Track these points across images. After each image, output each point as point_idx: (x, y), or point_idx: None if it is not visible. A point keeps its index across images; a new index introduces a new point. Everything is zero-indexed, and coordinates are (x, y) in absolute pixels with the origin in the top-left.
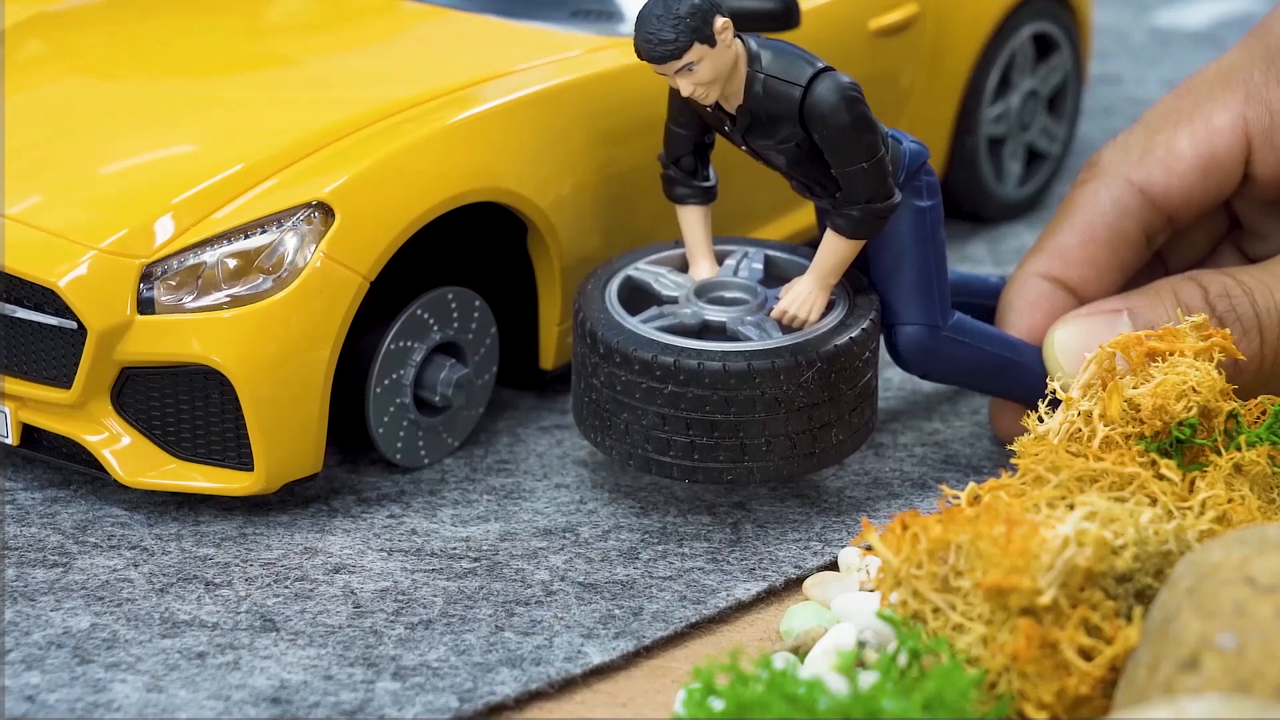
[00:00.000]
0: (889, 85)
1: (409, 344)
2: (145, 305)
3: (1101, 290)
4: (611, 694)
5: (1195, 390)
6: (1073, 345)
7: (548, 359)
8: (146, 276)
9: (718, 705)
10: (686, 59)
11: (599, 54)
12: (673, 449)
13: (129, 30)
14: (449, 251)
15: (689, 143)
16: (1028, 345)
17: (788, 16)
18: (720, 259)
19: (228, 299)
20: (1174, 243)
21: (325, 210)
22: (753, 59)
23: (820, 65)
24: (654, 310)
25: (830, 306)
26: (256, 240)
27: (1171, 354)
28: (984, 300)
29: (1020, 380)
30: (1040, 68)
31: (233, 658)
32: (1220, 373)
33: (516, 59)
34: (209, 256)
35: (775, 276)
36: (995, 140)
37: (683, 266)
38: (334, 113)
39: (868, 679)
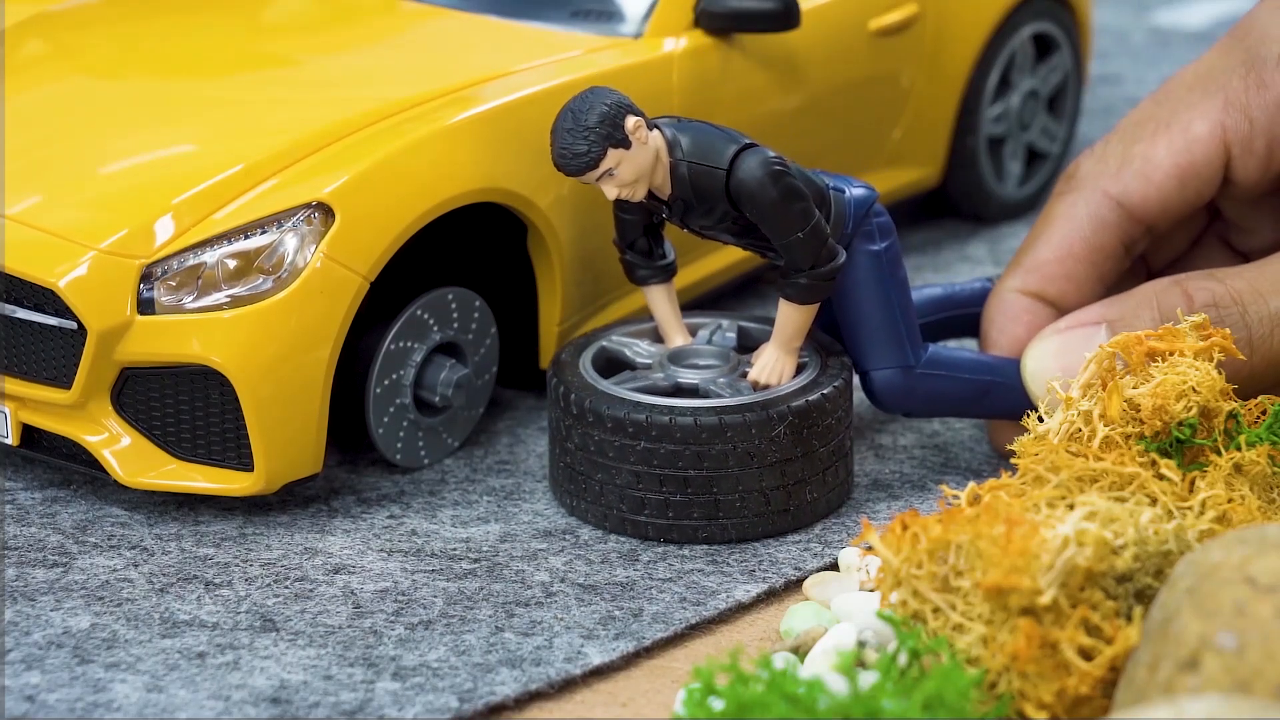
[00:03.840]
0: (889, 85)
1: (409, 344)
2: (145, 305)
3: (1082, 302)
4: (611, 694)
5: (1195, 390)
6: (1049, 360)
7: (548, 359)
8: (146, 277)
9: (718, 705)
10: (604, 166)
11: (599, 54)
12: (647, 508)
13: (129, 30)
14: (449, 252)
15: (638, 227)
16: (1007, 362)
17: (788, 17)
18: (694, 330)
19: (228, 299)
20: (1156, 242)
21: (325, 210)
22: (673, 147)
23: (743, 142)
24: (627, 374)
25: (801, 369)
26: (256, 240)
27: (1171, 354)
28: (973, 309)
29: (1005, 400)
30: (1040, 68)
31: (233, 658)
32: (1220, 373)
33: (516, 59)
34: (209, 257)
35: (748, 347)
36: (995, 140)
37: (658, 338)
38: (334, 113)
39: (868, 679)
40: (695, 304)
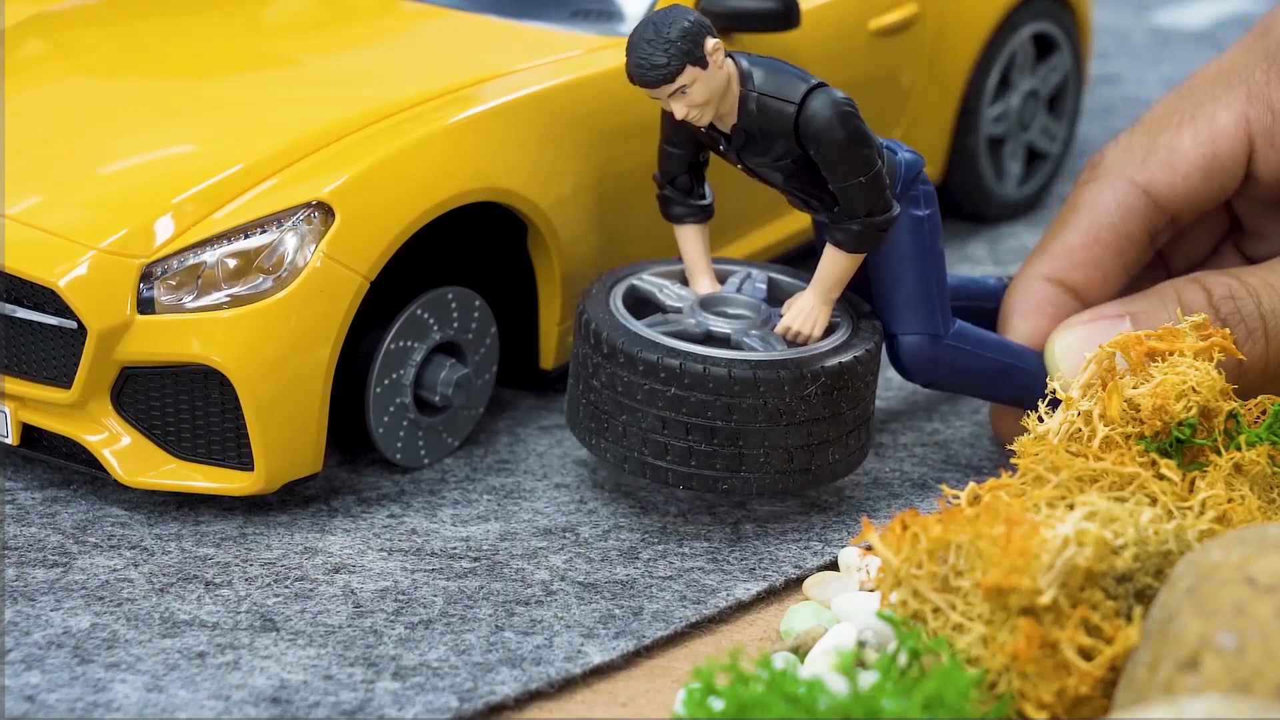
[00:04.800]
0: (889, 85)
1: (409, 344)
2: (145, 305)
3: (1106, 292)
4: (611, 694)
5: (1195, 390)
6: (1073, 351)
7: (548, 359)
8: (146, 276)
9: (718, 705)
10: (679, 82)
11: (599, 54)
12: (670, 454)
13: (129, 30)
14: (449, 251)
15: (684, 162)
16: (1029, 350)
17: (788, 16)
18: (722, 278)
19: (228, 299)
20: (1176, 244)
21: (325, 210)
22: (745, 78)
23: (813, 82)
24: (658, 316)
25: (833, 328)
26: (256, 240)
27: (1171, 354)
28: (984, 303)
29: (1022, 386)
30: (1040, 68)
31: (233, 658)
32: (1220, 373)
33: (516, 59)
34: (209, 256)
35: (777, 299)
36: (995, 140)
37: (686, 282)
38: (334, 113)
39: (868, 679)
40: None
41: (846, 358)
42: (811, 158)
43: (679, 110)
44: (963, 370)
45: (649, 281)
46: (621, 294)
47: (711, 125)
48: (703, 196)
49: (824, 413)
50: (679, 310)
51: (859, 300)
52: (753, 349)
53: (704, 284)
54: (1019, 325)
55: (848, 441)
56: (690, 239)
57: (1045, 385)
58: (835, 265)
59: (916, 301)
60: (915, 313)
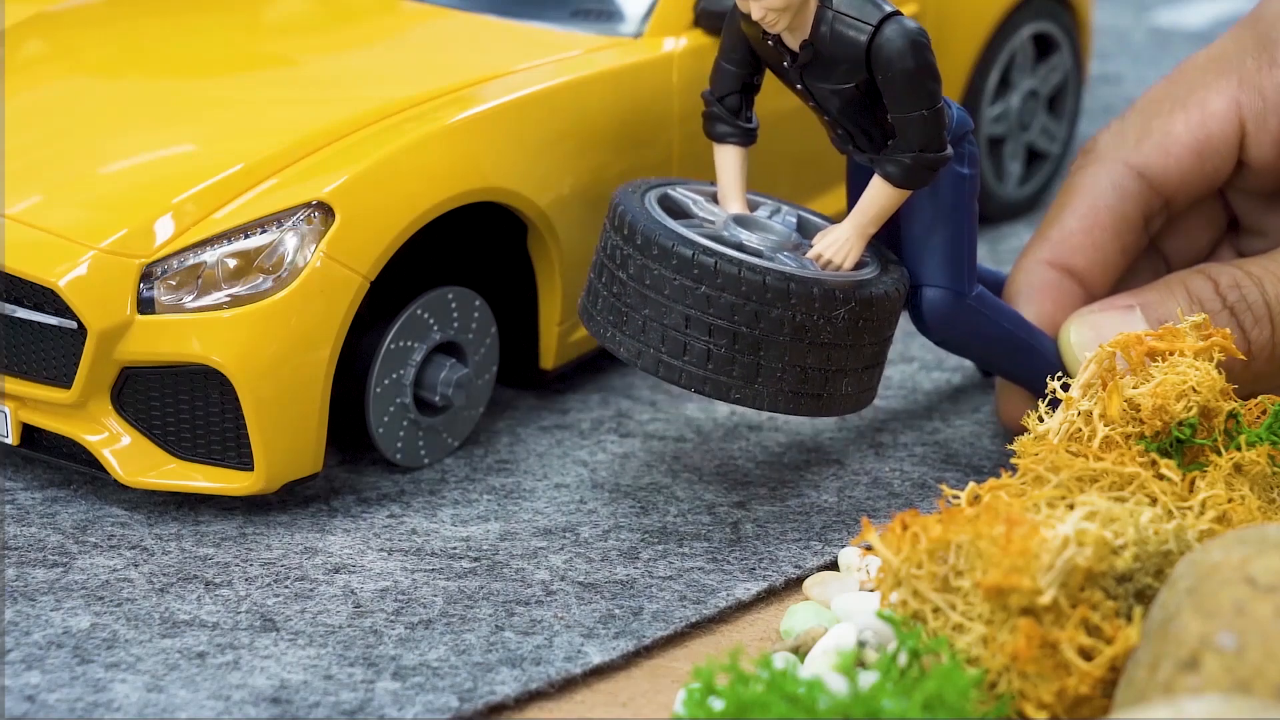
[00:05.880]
0: None
1: (409, 344)
2: (145, 305)
3: (1106, 275)
4: (611, 694)
5: (1195, 390)
6: (1086, 341)
7: (548, 359)
8: (146, 276)
9: (718, 705)
10: None
11: (599, 54)
12: (688, 354)
13: (129, 30)
14: (449, 251)
15: (738, 81)
16: (1044, 334)
17: None
18: (752, 208)
19: (228, 299)
20: (1175, 241)
21: (325, 210)
22: None
23: (889, 9)
24: (693, 221)
25: (862, 266)
26: (256, 240)
27: (1171, 354)
28: (987, 287)
29: (1032, 364)
30: (1040, 68)
31: (233, 657)
32: (1220, 373)
33: (516, 59)
34: (209, 256)
35: (806, 237)
36: (995, 140)
37: (718, 203)
38: (334, 113)
39: (868, 679)
40: None
41: (878, 289)
42: (877, 85)
43: (756, 10)
44: (978, 334)
45: (683, 193)
46: (656, 198)
47: (779, 40)
48: (749, 120)
49: (847, 340)
50: (712, 223)
51: (886, 249)
52: (785, 265)
53: (736, 206)
54: (1024, 310)
55: (861, 377)
56: (729, 160)
57: (1054, 369)
58: (878, 199)
59: (946, 255)
60: (943, 266)
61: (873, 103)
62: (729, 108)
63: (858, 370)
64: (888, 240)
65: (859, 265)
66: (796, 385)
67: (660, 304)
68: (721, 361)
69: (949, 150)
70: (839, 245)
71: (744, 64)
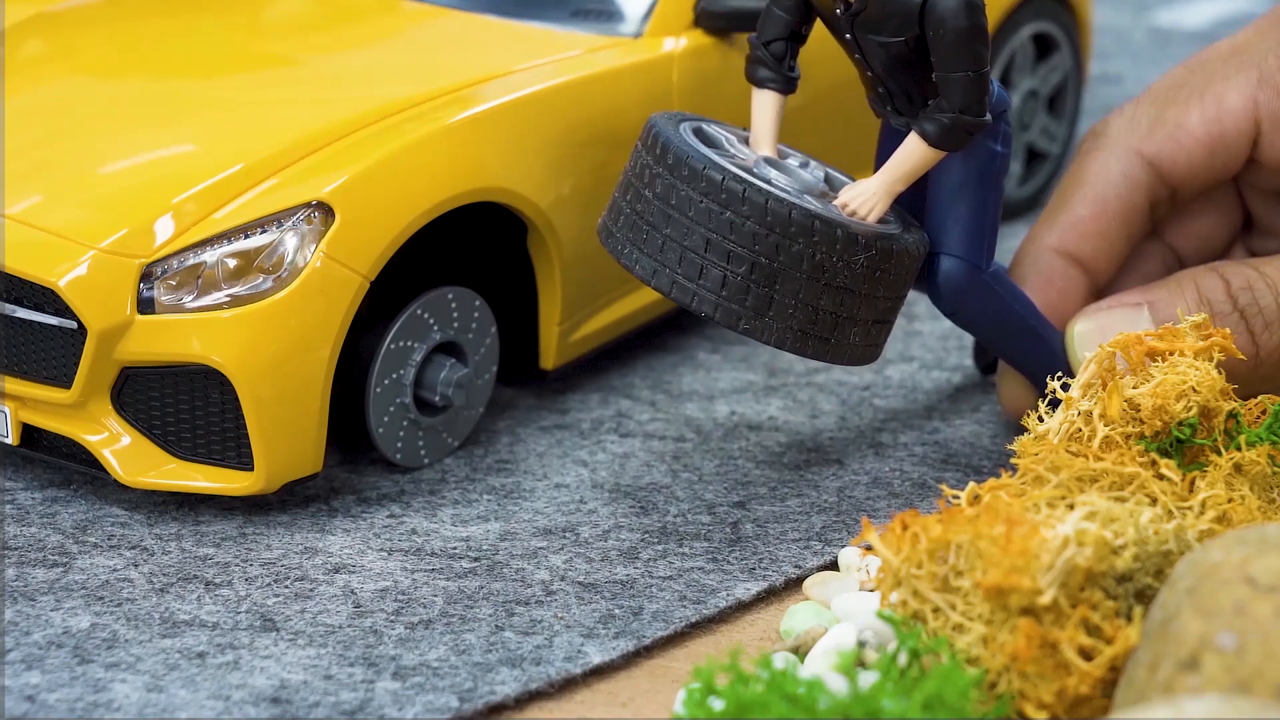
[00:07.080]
0: None
1: (409, 344)
2: (145, 305)
3: (1112, 263)
4: (611, 694)
5: (1195, 390)
6: (1094, 338)
7: (548, 359)
8: (146, 276)
9: (718, 705)
10: None
11: (599, 54)
12: (703, 278)
13: (129, 30)
14: (449, 251)
15: (786, 28)
16: (1052, 326)
17: None
18: (783, 157)
19: (228, 299)
20: (1191, 239)
21: (325, 210)
22: None
23: None
24: (725, 153)
25: (884, 223)
26: (256, 240)
27: (1171, 354)
28: None
29: (1036, 353)
30: (1040, 68)
31: (233, 657)
32: (1220, 373)
33: (516, 59)
34: (209, 256)
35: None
36: None
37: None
38: (334, 113)
39: (868, 679)
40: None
41: (899, 244)
42: (927, 43)
43: None
44: (989, 312)
45: (718, 130)
46: (691, 129)
47: None
48: (792, 70)
49: (862, 287)
50: (742, 160)
51: (910, 217)
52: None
53: (767, 150)
54: (1029, 296)
55: (870, 330)
56: (766, 104)
57: (1058, 361)
58: (912, 156)
59: (968, 227)
60: (964, 237)
61: (919, 60)
62: (774, 54)
63: (867, 322)
64: (911, 209)
65: (882, 222)
66: (805, 325)
67: (683, 225)
68: (736, 290)
69: (988, 117)
70: (866, 197)
71: (794, 10)
